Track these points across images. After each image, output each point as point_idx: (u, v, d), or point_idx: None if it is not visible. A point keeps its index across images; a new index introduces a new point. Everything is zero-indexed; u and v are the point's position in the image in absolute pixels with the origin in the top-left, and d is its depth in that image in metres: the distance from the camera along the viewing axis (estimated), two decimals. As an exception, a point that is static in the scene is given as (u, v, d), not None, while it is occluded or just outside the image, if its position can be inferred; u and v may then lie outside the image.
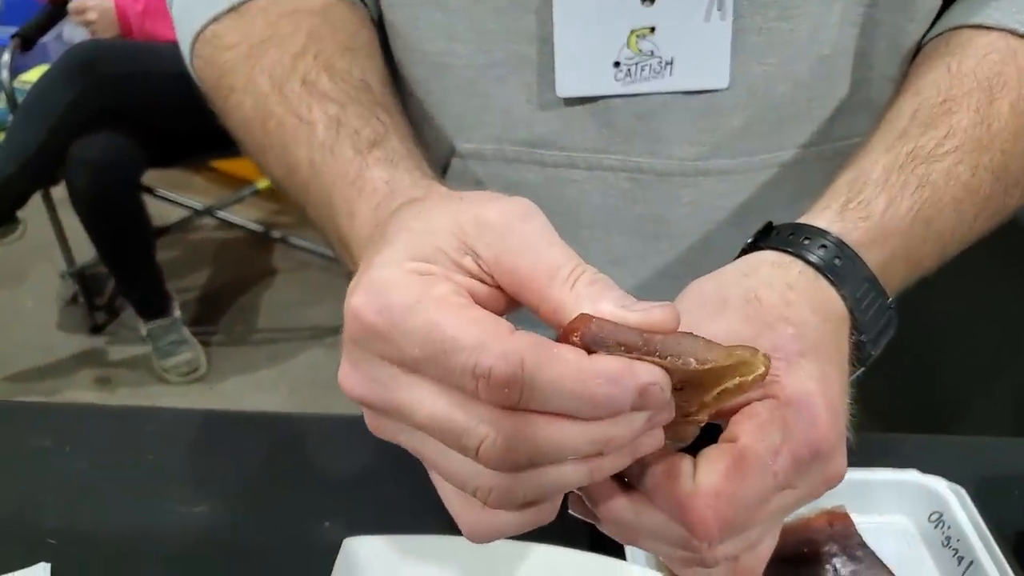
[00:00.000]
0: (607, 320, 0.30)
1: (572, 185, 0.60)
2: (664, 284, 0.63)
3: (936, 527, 0.61)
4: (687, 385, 0.32)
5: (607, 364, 0.29)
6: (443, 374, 0.29)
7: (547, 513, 0.32)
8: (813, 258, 0.39)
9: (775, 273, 0.39)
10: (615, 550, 0.56)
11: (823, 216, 0.42)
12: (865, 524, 0.60)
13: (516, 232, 0.32)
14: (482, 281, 0.32)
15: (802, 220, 0.42)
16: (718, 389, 0.32)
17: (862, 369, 0.42)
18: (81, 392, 2.17)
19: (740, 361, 0.31)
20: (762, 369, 0.31)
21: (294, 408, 1.98)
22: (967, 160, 0.45)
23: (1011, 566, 0.56)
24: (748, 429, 0.34)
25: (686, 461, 0.35)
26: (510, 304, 0.33)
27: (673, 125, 0.56)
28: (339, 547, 0.55)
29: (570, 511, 0.37)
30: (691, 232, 0.61)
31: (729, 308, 0.37)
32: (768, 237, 0.42)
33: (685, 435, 0.35)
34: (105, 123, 1.97)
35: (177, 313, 2.23)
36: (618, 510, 0.36)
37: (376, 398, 0.31)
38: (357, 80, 0.49)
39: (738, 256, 0.43)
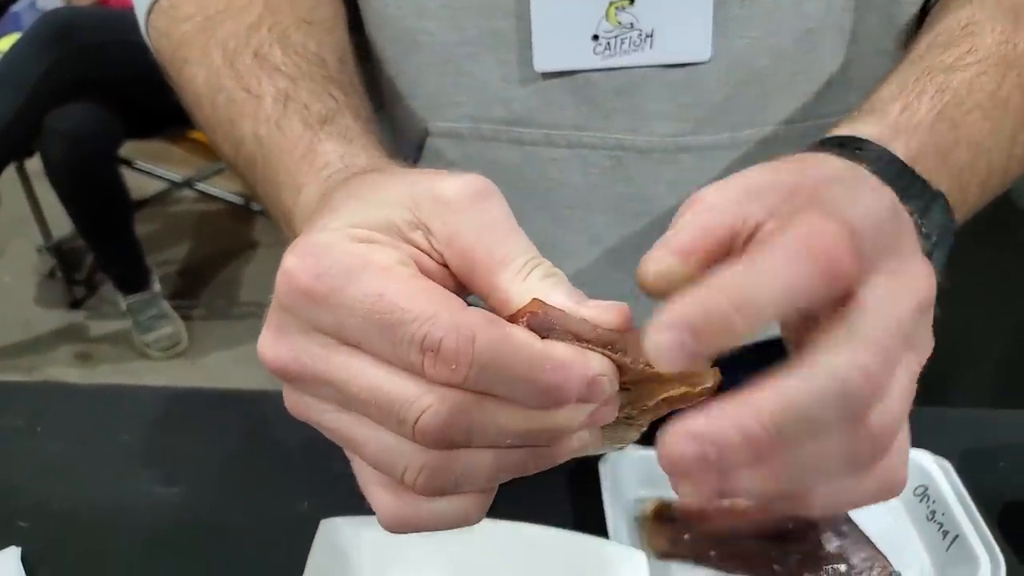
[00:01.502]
0: (558, 309, 0.29)
1: (551, 164, 0.58)
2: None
3: (921, 501, 0.61)
4: (632, 386, 0.30)
5: (560, 350, 0.27)
6: (386, 347, 0.27)
7: (473, 510, 0.30)
8: (831, 148, 0.36)
9: (799, 155, 0.35)
10: (597, 529, 0.55)
11: (833, 132, 0.39)
12: (850, 499, 0.60)
13: (473, 212, 0.30)
14: (431, 258, 0.30)
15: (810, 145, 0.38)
16: (662, 395, 0.30)
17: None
18: (61, 368, 2.15)
19: (691, 371, 0.29)
20: (711, 383, 0.29)
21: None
22: (991, 72, 0.42)
23: (995, 538, 0.56)
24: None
25: None
26: (457, 287, 0.31)
27: (653, 100, 0.55)
28: (317, 528, 0.54)
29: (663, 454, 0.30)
30: (673, 211, 0.58)
31: (775, 164, 0.32)
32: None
33: (625, 438, 0.33)
34: (81, 93, 1.93)
35: (157, 287, 2.21)
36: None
37: (303, 370, 0.29)
38: (312, 54, 0.47)
39: None
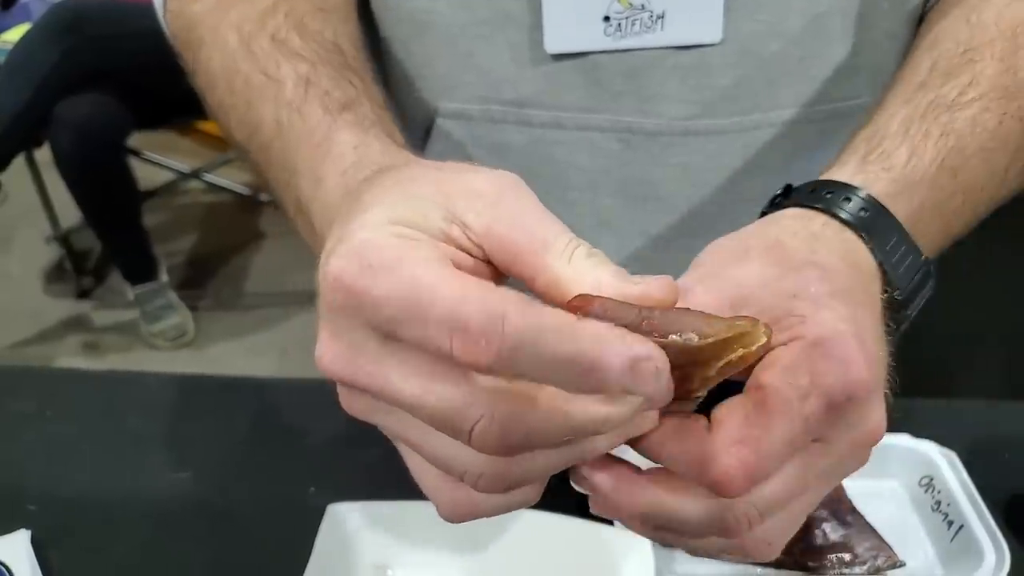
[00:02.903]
0: (607, 299, 0.29)
1: (559, 146, 0.58)
2: (654, 250, 0.62)
3: (927, 491, 0.61)
4: (687, 362, 0.30)
5: (595, 327, 0.26)
6: (421, 335, 0.26)
7: (532, 495, 0.31)
8: (838, 211, 0.37)
9: (799, 224, 0.37)
10: (602, 518, 0.55)
11: (843, 171, 0.40)
12: (856, 489, 0.60)
13: (507, 202, 0.30)
14: (468, 253, 0.30)
15: (822, 177, 0.40)
16: (721, 363, 0.30)
17: (899, 332, 0.38)
18: (69, 358, 2.16)
19: (742, 332, 0.29)
20: (764, 339, 0.30)
21: (284, 373, 1.98)
22: (993, 108, 0.43)
23: (1000, 529, 0.56)
24: (772, 372, 0.31)
25: (697, 417, 0.32)
26: (497, 279, 0.31)
27: (663, 83, 0.55)
28: (324, 513, 0.54)
29: (573, 484, 0.34)
30: (681, 195, 0.60)
31: (751, 255, 0.35)
32: (788, 197, 0.40)
33: (680, 410, 0.33)
34: (90, 84, 1.93)
35: (164, 277, 2.22)
36: (631, 491, 0.32)
37: (359, 373, 0.29)
38: (329, 42, 0.47)
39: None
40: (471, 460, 0.28)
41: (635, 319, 0.28)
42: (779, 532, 0.32)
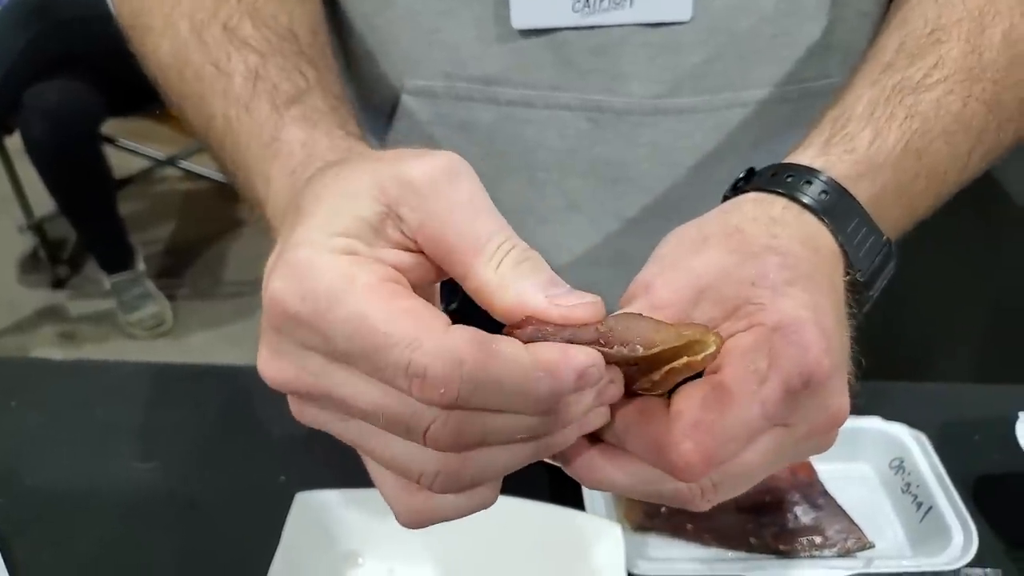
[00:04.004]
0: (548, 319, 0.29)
1: (528, 125, 0.58)
2: (625, 233, 0.62)
3: (896, 473, 0.61)
4: (634, 370, 0.31)
5: (546, 354, 0.28)
6: (374, 370, 0.27)
7: (490, 496, 0.31)
8: (799, 195, 0.37)
9: (758, 209, 0.37)
10: (574, 501, 0.55)
11: (805, 154, 0.40)
12: (828, 471, 0.60)
13: (441, 195, 0.29)
14: (408, 249, 0.30)
15: (785, 161, 0.40)
16: (666, 369, 0.30)
17: (862, 314, 0.39)
18: (45, 349, 2.13)
19: (691, 340, 0.30)
20: (713, 348, 0.30)
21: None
22: (958, 90, 0.43)
23: (969, 511, 0.57)
24: (730, 357, 0.31)
25: (658, 401, 0.32)
26: (440, 272, 0.30)
27: (632, 60, 0.54)
28: (293, 501, 0.54)
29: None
30: (651, 176, 0.59)
31: (710, 243, 0.35)
32: (749, 181, 0.40)
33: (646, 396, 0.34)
34: (61, 69, 1.90)
35: (141, 266, 2.19)
36: (593, 467, 0.33)
37: (304, 386, 0.29)
38: (283, 28, 0.46)
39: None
40: (427, 460, 0.28)
41: (582, 333, 0.29)
42: (728, 496, 0.33)
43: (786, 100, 0.57)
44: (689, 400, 0.31)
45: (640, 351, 0.29)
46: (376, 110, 0.61)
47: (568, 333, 0.29)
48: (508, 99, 0.57)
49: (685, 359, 0.30)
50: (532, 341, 0.28)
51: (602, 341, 0.29)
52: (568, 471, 0.34)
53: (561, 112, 0.57)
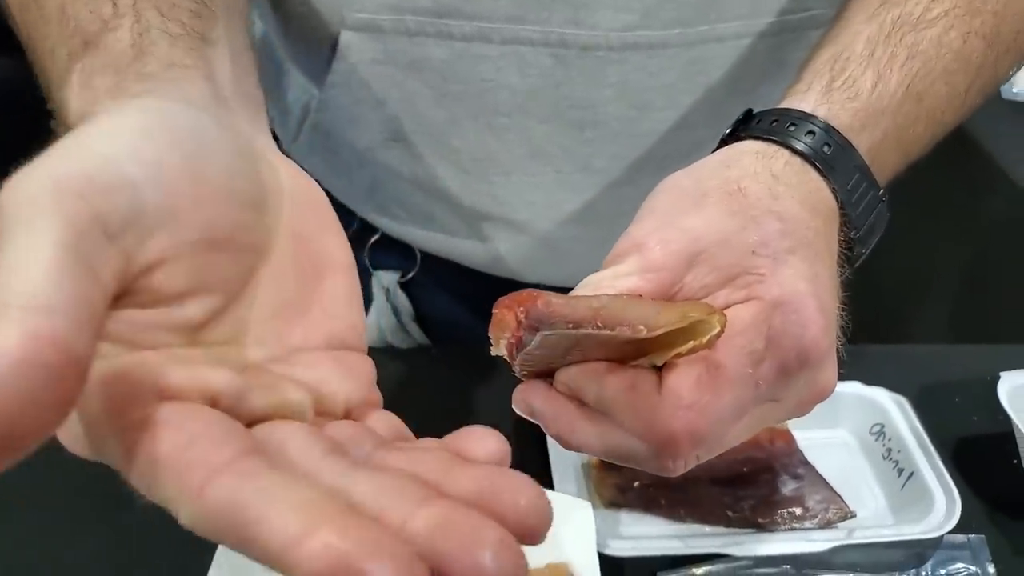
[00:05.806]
0: (552, 296, 0.29)
1: (485, 62, 0.52)
2: (592, 184, 0.57)
3: (877, 439, 0.59)
4: (636, 351, 0.31)
5: None
6: None
7: None
8: (800, 146, 0.36)
9: (760, 163, 0.36)
10: (542, 479, 0.52)
11: (807, 99, 0.38)
12: (807, 439, 0.58)
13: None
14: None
15: (784, 104, 0.38)
16: (671, 353, 0.30)
17: (853, 269, 0.38)
18: None
19: (695, 322, 0.30)
20: (718, 328, 0.30)
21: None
22: (958, 25, 0.41)
23: (951, 474, 0.55)
24: (728, 334, 0.31)
25: (648, 374, 0.31)
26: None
27: None
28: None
29: (514, 407, 0.34)
30: (620, 120, 0.55)
31: (709, 201, 0.34)
32: (749, 126, 0.38)
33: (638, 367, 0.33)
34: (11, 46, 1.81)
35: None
36: (574, 429, 0.33)
37: None
38: None
39: (717, 148, 0.38)
40: None
41: (587, 314, 0.29)
42: (703, 460, 0.33)
43: (765, 35, 0.53)
44: (682, 378, 0.30)
45: (644, 332, 0.29)
46: (313, 51, 0.55)
47: (571, 312, 0.29)
48: (463, 34, 0.51)
49: (691, 343, 0.30)
50: (535, 324, 0.29)
51: (600, 323, 0.29)
52: (548, 431, 0.33)
53: (521, 48, 0.51)
